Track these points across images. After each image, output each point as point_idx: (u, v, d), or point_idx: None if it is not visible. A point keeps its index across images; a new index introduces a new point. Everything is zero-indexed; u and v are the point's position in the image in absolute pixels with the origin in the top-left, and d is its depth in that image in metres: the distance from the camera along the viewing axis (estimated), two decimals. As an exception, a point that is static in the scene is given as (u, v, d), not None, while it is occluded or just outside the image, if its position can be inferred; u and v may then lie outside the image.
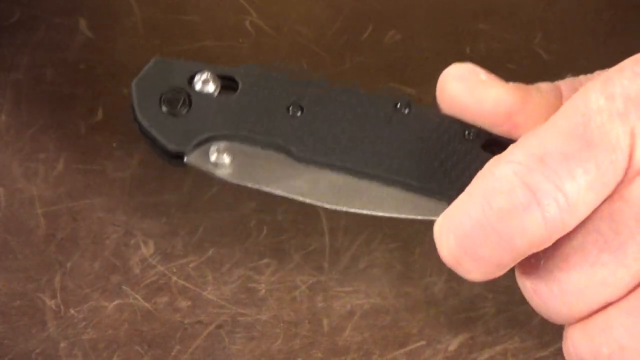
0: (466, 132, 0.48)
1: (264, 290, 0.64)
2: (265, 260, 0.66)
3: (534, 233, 0.45)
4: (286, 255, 0.66)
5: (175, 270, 0.65)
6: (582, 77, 0.53)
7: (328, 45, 0.81)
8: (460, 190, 0.47)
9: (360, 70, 0.79)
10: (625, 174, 0.46)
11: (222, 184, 0.50)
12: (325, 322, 0.62)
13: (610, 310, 0.47)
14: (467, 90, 0.49)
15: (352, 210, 0.49)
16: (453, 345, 0.61)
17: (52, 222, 0.68)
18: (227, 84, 0.49)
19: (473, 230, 0.46)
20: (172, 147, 0.48)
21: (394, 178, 0.47)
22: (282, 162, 0.47)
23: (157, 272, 0.65)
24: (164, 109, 0.48)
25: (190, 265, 0.65)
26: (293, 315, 0.63)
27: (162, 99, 0.48)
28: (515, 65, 0.79)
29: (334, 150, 0.47)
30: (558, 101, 0.50)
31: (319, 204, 0.48)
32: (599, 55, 0.79)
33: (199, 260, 0.66)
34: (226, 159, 0.48)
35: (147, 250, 0.66)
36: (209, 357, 0.61)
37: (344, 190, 0.48)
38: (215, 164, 0.48)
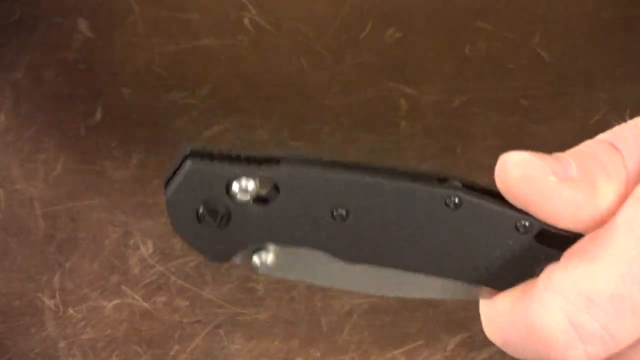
0: (518, 224, 0.46)
1: (262, 290, 0.64)
2: (264, 260, 0.66)
3: None
4: (285, 255, 0.66)
5: (174, 270, 0.65)
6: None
7: (328, 43, 0.81)
8: (511, 281, 0.46)
9: (359, 68, 0.79)
10: None
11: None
12: (323, 321, 0.62)
13: None
14: (534, 190, 0.45)
15: (394, 295, 0.48)
16: (451, 345, 0.61)
17: (51, 222, 0.68)
18: (265, 182, 0.45)
19: (516, 340, 0.46)
20: (213, 260, 0.46)
21: (442, 275, 0.46)
22: (326, 258, 0.46)
23: (156, 272, 0.65)
24: (202, 224, 0.45)
25: (189, 265, 0.65)
26: (292, 314, 0.63)
27: (199, 215, 0.44)
28: (515, 64, 0.79)
29: (380, 254, 0.46)
30: (624, 179, 0.47)
31: (359, 291, 0.47)
32: (599, 55, 0.79)
33: (198, 260, 0.66)
34: (270, 259, 0.46)
35: (146, 250, 0.66)
36: (207, 356, 0.61)
37: (390, 280, 0.47)
38: (258, 265, 0.46)
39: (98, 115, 0.74)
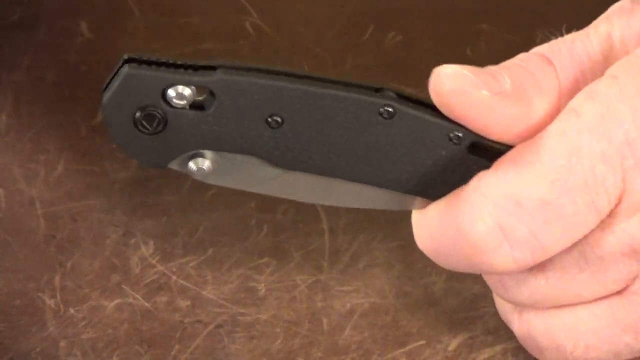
0: (451, 135, 0.46)
1: (263, 290, 0.64)
2: (265, 260, 0.65)
3: (502, 267, 0.45)
4: (286, 254, 0.66)
5: (175, 270, 0.65)
6: (576, 43, 0.48)
7: (329, 46, 0.81)
8: (443, 191, 0.46)
9: (360, 71, 0.79)
10: (610, 214, 0.44)
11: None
12: (325, 321, 0.62)
13: (579, 311, 0.47)
14: (467, 103, 0.46)
15: (327, 203, 0.48)
16: (453, 345, 0.61)
17: (52, 222, 0.68)
18: (202, 89, 0.46)
19: (445, 247, 0.46)
20: (149, 165, 0.46)
21: (375, 184, 0.46)
22: (262, 165, 0.46)
23: (156, 271, 0.65)
24: (138, 129, 0.45)
25: (190, 265, 0.65)
26: (293, 314, 0.63)
27: (136, 120, 0.45)
28: (516, 65, 0.79)
29: (315, 162, 0.46)
30: (556, 93, 0.47)
31: (293, 198, 0.48)
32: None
33: (199, 260, 0.66)
34: (206, 164, 0.46)
35: (147, 249, 0.66)
36: (208, 356, 0.61)
37: (325, 188, 0.47)
38: (194, 170, 0.46)
39: (99, 116, 0.74)
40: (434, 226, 0.46)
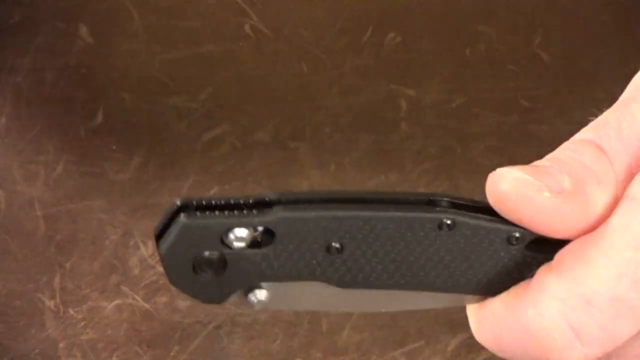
0: (510, 237, 0.46)
1: (263, 290, 0.64)
2: (264, 260, 0.65)
3: None
4: (285, 255, 0.66)
5: (174, 271, 0.65)
6: (622, 122, 0.48)
7: (328, 48, 0.81)
8: (501, 288, 0.46)
9: (360, 72, 0.79)
10: None
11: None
12: (324, 321, 0.62)
13: None
14: (528, 207, 0.45)
15: (385, 310, 0.48)
16: (452, 345, 0.61)
17: (51, 223, 0.68)
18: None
19: (510, 344, 0.45)
20: (209, 303, 0.46)
21: (436, 290, 0.46)
22: (321, 286, 0.46)
23: (156, 272, 0.65)
24: (198, 274, 0.45)
25: (189, 266, 0.65)
26: (292, 315, 0.63)
27: (195, 266, 0.43)
28: (516, 66, 0.79)
29: (376, 280, 0.46)
30: (614, 181, 0.47)
31: (354, 311, 0.47)
32: (599, 56, 0.79)
33: (198, 261, 0.66)
34: (264, 295, 0.45)
35: (146, 250, 0.66)
36: (207, 357, 0.61)
37: (383, 299, 0.47)
38: (254, 303, 0.46)
39: (99, 118, 0.74)
40: (496, 324, 0.46)
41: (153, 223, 0.68)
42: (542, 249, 0.46)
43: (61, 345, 0.61)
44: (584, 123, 0.71)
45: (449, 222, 0.44)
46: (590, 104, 0.75)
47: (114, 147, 0.71)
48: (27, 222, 0.68)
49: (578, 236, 0.45)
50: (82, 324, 0.62)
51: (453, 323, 0.62)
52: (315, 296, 0.45)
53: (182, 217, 0.43)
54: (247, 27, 0.83)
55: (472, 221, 0.44)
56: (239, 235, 0.43)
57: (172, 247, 0.43)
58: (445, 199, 0.45)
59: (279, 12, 0.84)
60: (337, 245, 0.44)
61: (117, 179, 0.71)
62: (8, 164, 0.71)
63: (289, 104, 0.77)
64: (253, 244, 0.44)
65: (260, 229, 0.43)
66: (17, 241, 0.67)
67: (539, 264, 0.45)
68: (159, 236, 0.43)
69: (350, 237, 0.45)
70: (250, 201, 0.44)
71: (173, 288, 0.64)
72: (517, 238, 0.45)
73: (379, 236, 0.45)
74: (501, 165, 0.45)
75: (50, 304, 0.63)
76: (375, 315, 0.62)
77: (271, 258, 0.44)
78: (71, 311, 0.63)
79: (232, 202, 0.43)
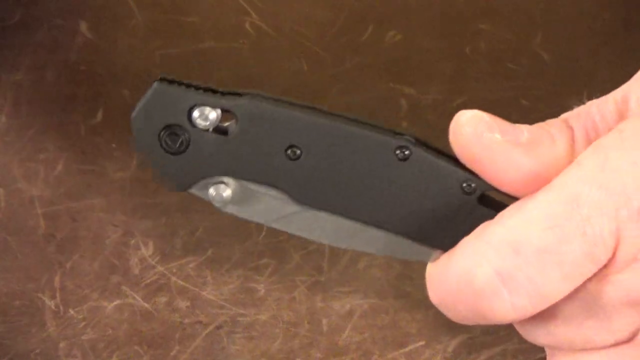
0: (464, 185, 0.47)
1: (263, 291, 0.64)
2: (265, 261, 0.66)
3: (503, 315, 0.45)
4: (286, 255, 0.66)
5: (174, 271, 0.65)
6: (592, 107, 0.50)
7: (328, 46, 0.81)
8: (453, 242, 0.47)
9: (360, 70, 0.79)
10: (607, 264, 0.45)
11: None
12: (324, 322, 0.62)
13: (594, 356, 0.47)
14: (482, 146, 0.46)
15: (344, 247, 0.49)
16: (452, 346, 0.61)
17: (51, 222, 0.68)
18: (226, 114, 0.47)
19: (450, 295, 0.46)
20: (171, 188, 0.47)
21: (388, 227, 0.47)
22: (281, 199, 0.47)
23: (156, 272, 0.65)
24: (162, 146, 0.47)
25: (190, 266, 0.65)
26: (292, 315, 0.63)
27: (160, 137, 0.46)
28: (516, 64, 0.79)
29: (330, 198, 0.47)
30: (570, 151, 0.48)
31: (310, 238, 0.48)
32: (599, 55, 0.79)
33: (199, 261, 0.66)
34: (226, 192, 0.47)
35: (147, 250, 0.66)
36: (208, 357, 0.61)
37: (341, 230, 0.48)
38: (213, 196, 0.47)
39: (99, 116, 0.74)
40: (438, 277, 0.47)
41: (153, 223, 0.68)
42: (495, 206, 0.47)
43: (61, 345, 0.61)
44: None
45: (406, 151, 0.45)
46: (591, 104, 0.75)
47: (114, 146, 0.71)
48: (27, 221, 0.68)
49: (525, 194, 0.46)
50: (83, 323, 0.62)
51: (453, 323, 0.62)
52: (273, 211, 0.47)
53: (156, 83, 0.45)
54: (247, 25, 0.83)
55: (428, 156, 0.46)
56: (205, 114, 0.46)
57: (142, 110, 0.46)
58: (411, 136, 0.46)
59: (279, 9, 0.84)
60: (297, 150, 0.46)
61: (118, 177, 0.71)
62: (8, 162, 0.71)
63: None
64: (218, 130, 0.46)
65: (228, 122, 0.46)
66: (17, 240, 0.67)
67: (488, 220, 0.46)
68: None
69: (310, 143, 0.46)
70: (225, 90, 0.46)
71: (174, 288, 0.64)
72: (470, 187, 0.46)
73: (337, 150, 0.46)
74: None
75: (50, 303, 0.63)
76: (375, 316, 0.63)
77: (232, 147, 0.46)
78: (71, 311, 0.63)
79: (207, 86, 0.46)
